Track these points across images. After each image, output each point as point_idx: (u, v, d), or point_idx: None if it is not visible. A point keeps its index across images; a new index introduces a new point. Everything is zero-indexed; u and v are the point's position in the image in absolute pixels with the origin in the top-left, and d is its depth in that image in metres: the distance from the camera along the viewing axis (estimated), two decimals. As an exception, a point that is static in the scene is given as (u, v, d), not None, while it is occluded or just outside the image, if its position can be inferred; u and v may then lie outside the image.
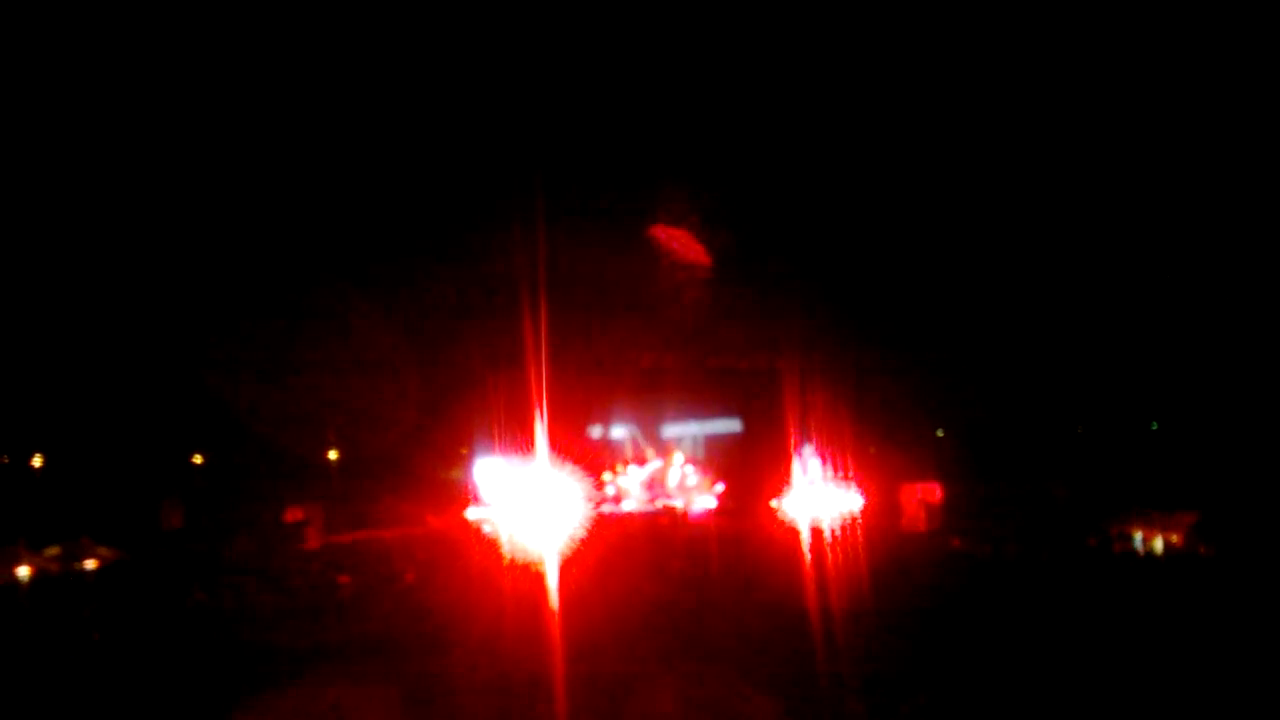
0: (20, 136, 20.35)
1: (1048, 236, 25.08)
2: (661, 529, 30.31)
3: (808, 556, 23.00)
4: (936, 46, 19.23)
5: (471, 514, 25.62)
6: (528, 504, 29.10)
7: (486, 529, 24.27)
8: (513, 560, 21.11)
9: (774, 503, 31.09)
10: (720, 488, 34.41)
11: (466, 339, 24.21)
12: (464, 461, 26.45)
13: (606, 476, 34.22)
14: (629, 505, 32.81)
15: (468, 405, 24.91)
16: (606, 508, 32.69)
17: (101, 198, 22.65)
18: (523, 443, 29.63)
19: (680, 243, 26.04)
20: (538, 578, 20.12)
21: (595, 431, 34.66)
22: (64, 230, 23.36)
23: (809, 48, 19.47)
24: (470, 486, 25.92)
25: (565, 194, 22.86)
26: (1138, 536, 25.89)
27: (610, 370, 30.65)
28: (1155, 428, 30.43)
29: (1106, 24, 18.73)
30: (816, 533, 24.82)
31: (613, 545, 27.07)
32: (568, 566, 22.41)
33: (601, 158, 22.43)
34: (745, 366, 32.84)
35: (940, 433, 32.90)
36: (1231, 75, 19.11)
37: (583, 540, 27.70)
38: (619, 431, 34.27)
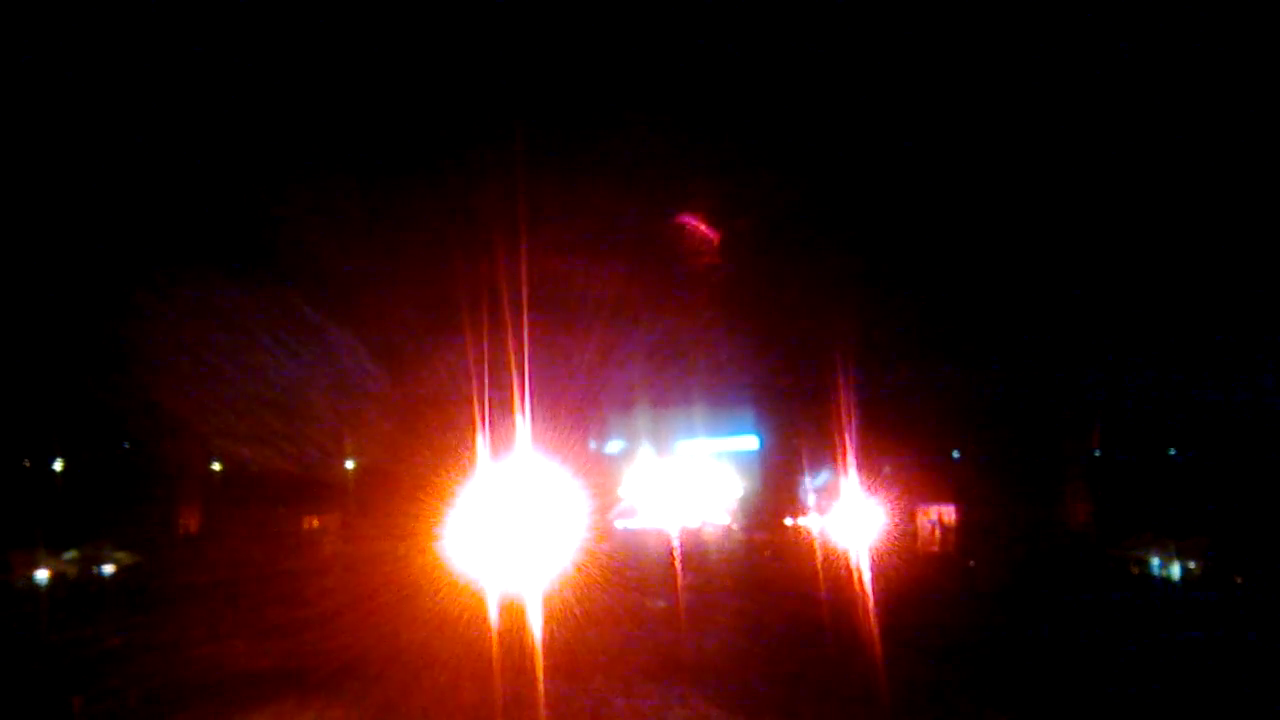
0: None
1: (1069, 261, 25.11)
2: (674, 545, 30.27)
3: (823, 575, 22.99)
4: (961, 47, 19.19)
5: (482, 527, 25.66)
6: (539, 518, 29.16)
7: (496, 543, 24.30)
8: (518, 575, 21.13)
9: (789, 521, 31.06)
10: (735, 506, 34.38)
11: (478, 351, 24.35)
12: (475, 475, 26.53)
13: (620, 492, 34.24)
14: (642, 522, 32.75)
15: (480, 418, 25.03)
16: (619, 523, 32.70)
17: (116, 208, 22.84)
18: (534, 456, 29.74)
19: (700, 257, 26.16)
20: (545, 594, 20.18)
21: (610, 447, 34.73)
22: (79, 239, 23.63)
23: (834, 41, 19.43)
24: (481, 499, 25.98)
25: (577, 203, 22.97)
26: (1154, 561, 25.81)
27: (625, 386, 30.73)
28: (1172, 453, 30.32)
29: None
30: (832, 552, 24.80)
31: (624, 561, 27.10)
32: (577, 584, 22.46)
33: (618, 165, 22.45)
34: (764, 385, 32.91)
35: (957, 454, 32.84)
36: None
37: (593, 556, 27.75)
38: (634, 447, 34.30)
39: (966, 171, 22.05)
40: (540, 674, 15.39)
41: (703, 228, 24.68)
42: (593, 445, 34.25)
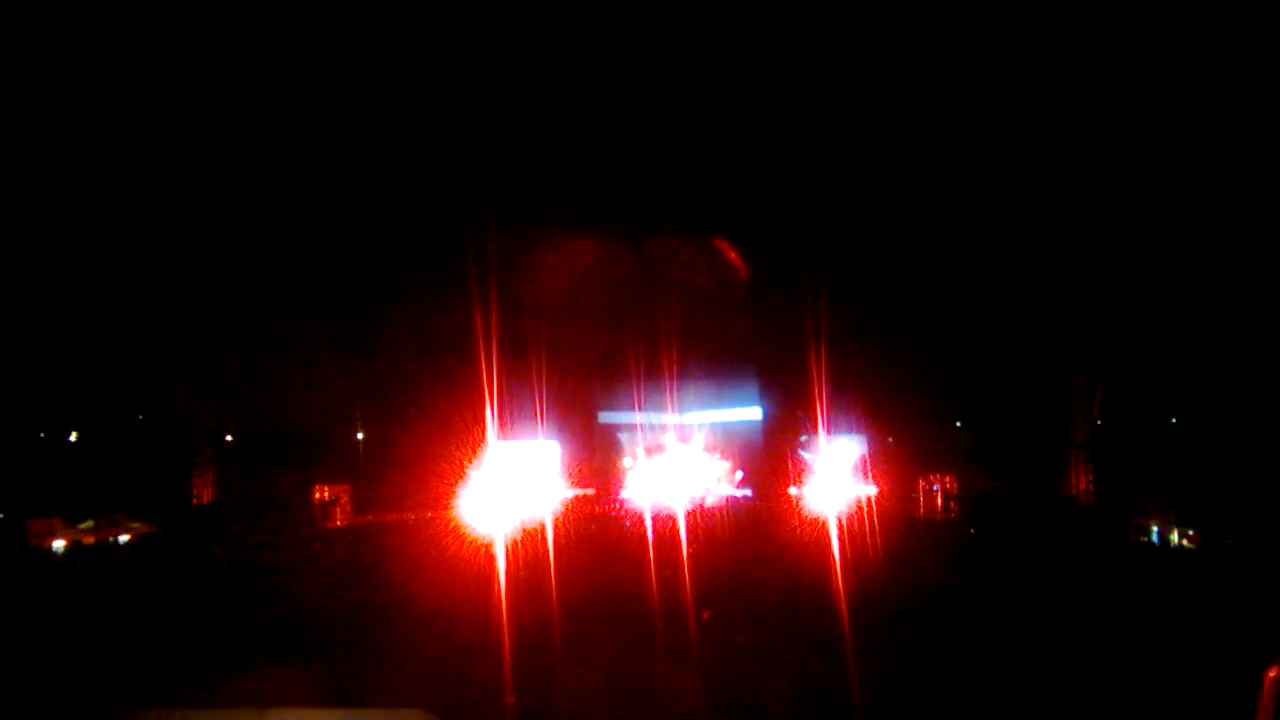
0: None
1: (1068, 231, 25.18)
2: (680, 516, 30.58)
3: (827, 545, 23.24)
4: (937, 40, 19.36)
5: (486, 499, 26.01)
6: (545, 490, 29.49)
7: (502, 513, 24.66)
8: (525, 545, 21.44)
9: (793, 491, 31.34)
10: (740, 475, 34.66)
11: (486, 324, 24.62)
12: (482, 446, 26.89)
13: (625, 464, 34.53)
14: (648, 492, 33.05)
15: (487, 390, 25.33)
16: (626, 494, 33.03)
17: (120, 195, 23.11)
18: (540, 430, 30.06)
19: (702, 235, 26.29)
20: (550, 564, 20.45)
21: (616, 420, 34.99)
22: (98, 219, 23.91)
23: (819, 37, 19.59)
24: (485, 472, 26.30)
25: (580, 182, 23.15)
26: (1155, 530, 26.00)
27: (628, 358, 30.95)
28: (1175, 422, 30.47)
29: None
30: (835, 521, 25.03)
31: (628, 531, 27.42)
32: (583, 554, 22.76)
33: (620, 145, 22.62)
34: (766, 355, 33.09)
35: (959, 424, 33.05)
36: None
37: (599, 527, 28.12)
38: (638, 419, 34.52)
39: (963, 146, 22.17)
40: (545, 646, 15.70)
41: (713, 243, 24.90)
42: (599, 419, 34.57)
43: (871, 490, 29.89)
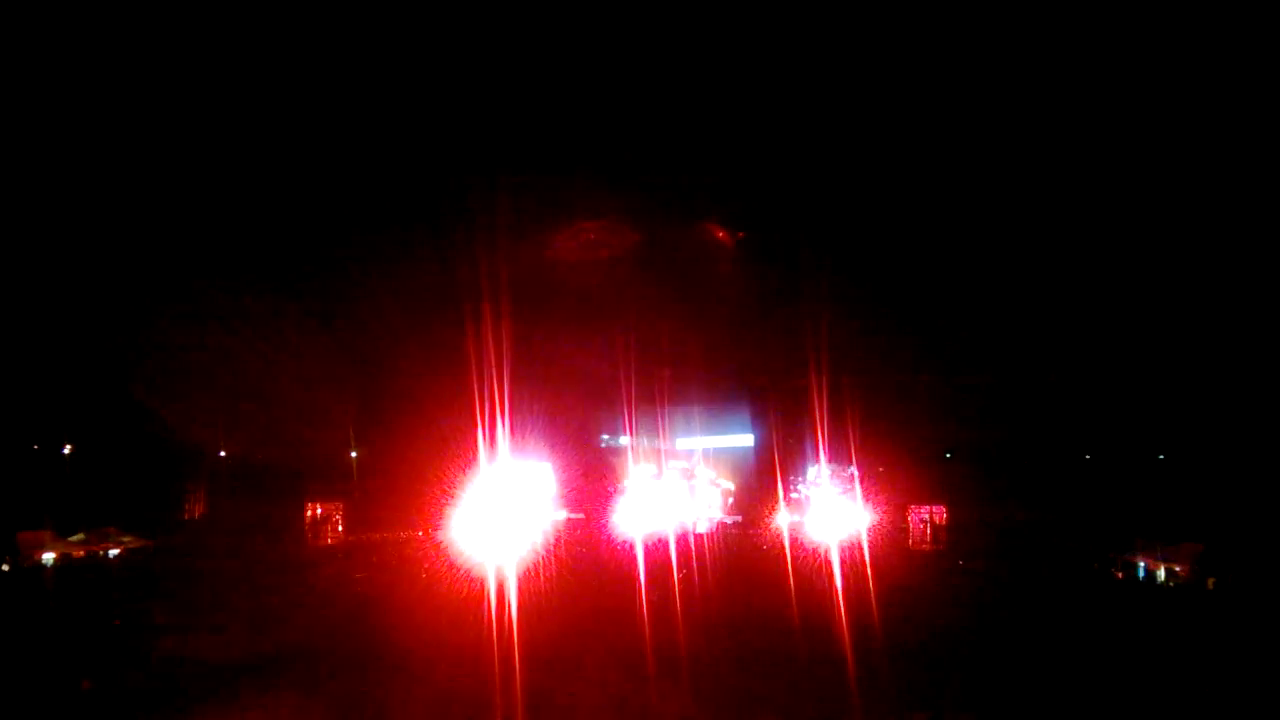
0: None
1: (1061, 265, 25.37)
2: (671, 542, 30.64)
3: (817, 573, 23.32)
4: (949, 57, 19.40)
5: (477, 520, 26.03)
6: (536, 512, 29.52)
7: (492, 535, 24.69)
8: (515, 567, 21.46)
9: (784, 518, 31.41)
10: (731, 502, 34.75)
11: (480, 347, 24.74)
12: (474, 468, 26.95)
13: (617, 488, 34.56)
14: (639, 518, 33.08)
15: (480, 413, 25.41)
16: (617, 519, 33.04)
17: (127, 207, 23.11)
18: (533, 453, 30.13)
19: (700, 256, 26.47)
20: (540, 586, 20.49)
21: (609, 444, 35.05)
22: (90, 235, 23.94)
23: (827, 52, 19.59)
24: (477, 494, 26.35)
25: (580, 202, 23.26)
26: (1141, 565, 26.14)
27: (623, 383, 31.04)
28: (1162, 458, 30.62)
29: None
30: (826, 549, 25.12)
31: (618, 554, 27.45)
32: (574, 577, 22.79)
33: (619, 165, 22.65)
34: (759, 383, 33.24)
35: (949, 455, 33.18)
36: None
37: (590, 551, 28.14)
38: (633, 445, 34.59)
39: (956, 179, 22.29)
40: (535, 665, 15.73)
41: (712, 235, 25.00)
42: (593, 443, 34.63)
43: (861, 520, 29.99)
